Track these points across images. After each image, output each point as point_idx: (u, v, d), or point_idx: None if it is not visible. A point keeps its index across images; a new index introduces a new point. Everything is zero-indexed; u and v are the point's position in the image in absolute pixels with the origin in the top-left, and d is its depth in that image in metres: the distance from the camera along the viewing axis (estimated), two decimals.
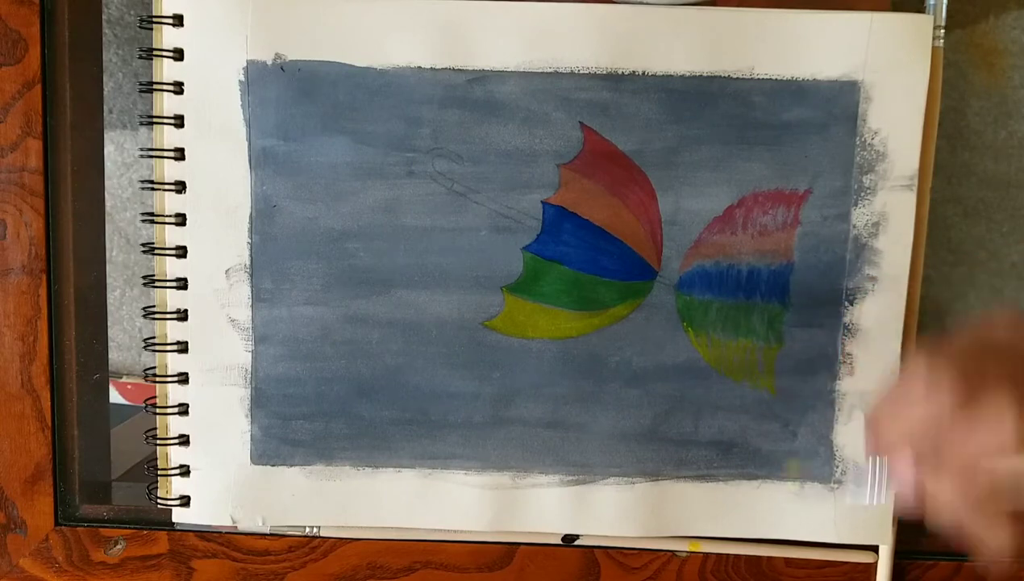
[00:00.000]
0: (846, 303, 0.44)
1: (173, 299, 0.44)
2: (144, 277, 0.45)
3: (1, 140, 0.45)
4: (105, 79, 0.46)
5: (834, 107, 0.43)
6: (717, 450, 0.45)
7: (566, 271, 0.44)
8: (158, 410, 0.45)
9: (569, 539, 0.47)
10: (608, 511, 0.45)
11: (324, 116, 0.43)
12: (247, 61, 0.43)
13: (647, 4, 0.42)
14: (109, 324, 0.48)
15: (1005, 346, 0.33)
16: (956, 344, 0.34)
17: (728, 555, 0.47)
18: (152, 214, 0.44)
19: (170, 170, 0.44)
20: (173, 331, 0.45)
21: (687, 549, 0.47)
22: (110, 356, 0.48)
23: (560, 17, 0.42)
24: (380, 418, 0.45)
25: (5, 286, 0.46)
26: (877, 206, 0.43)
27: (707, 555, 0.47)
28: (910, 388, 0.33)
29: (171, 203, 0.44)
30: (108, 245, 0.47)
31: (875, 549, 0.46)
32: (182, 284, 0.44)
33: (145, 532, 0.48)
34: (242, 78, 0.43)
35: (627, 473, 0.45)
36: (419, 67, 0.43)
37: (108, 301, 0.47)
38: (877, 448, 0.35)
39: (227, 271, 0.44)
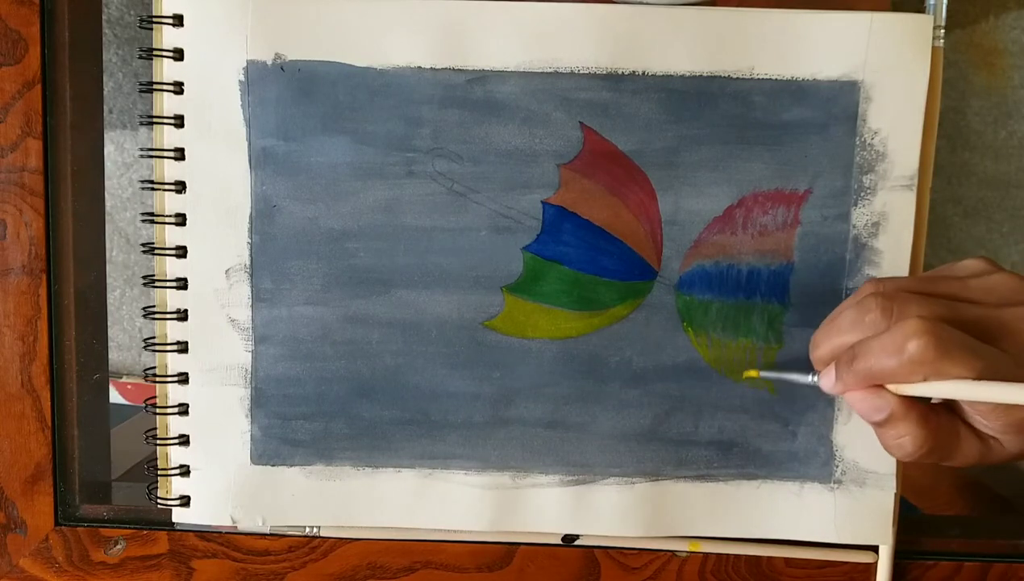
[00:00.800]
0: None
1: (173, 299, 0.44)
2: (144, 277, 0.44)
3: (1, 140, 0.45)
4: (105, 79, 0.46)
5: (834, 107, 0.43)
6: (717, 450, 0.45)
7: (566, 271, 0.44)
8: (158, 410, 0.45)
9: (569, 539, 0.47)
10: (608, 511, 0.45)
11: (324, 116, 0.43)
12: (247, 61, 0.43)
13: (647, 4, 0.42)
14: (109, 324, 0.47)
15: (948, 287, 0.35)
16: (900, 281, 0.36)
17: (728, 555, 0.47)
18: (152, 214, 0.44)
19: (170, 170, 0.44)
20: (173, 331, 0.45)
21: (687, 549, 0.47)
22: (110, 356, 0.48)
23: (560, 17, 0.42)
24: (380, 418, 0.45)
25: (5, 286, 0.46)
26: (877, 206, 0.43)
27: (707, 555, 0.47)
28: (846, 313, 0.36)
29: (171, 203, 0.44)
30: (108, 245, 0.47)
31: (875, 549, 0.46)
32: (182, 284, 0.44)
33: (145, 532, 0.48)
34: (242, 78, 0.43)
35: (627, 473, 0.45)
36: (419, 67, 0.43)
37: (108, 301, 0.47)
38: (815, 364, 0.38)
39: (227, 271, 0.44)
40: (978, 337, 0.32)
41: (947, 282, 0.35)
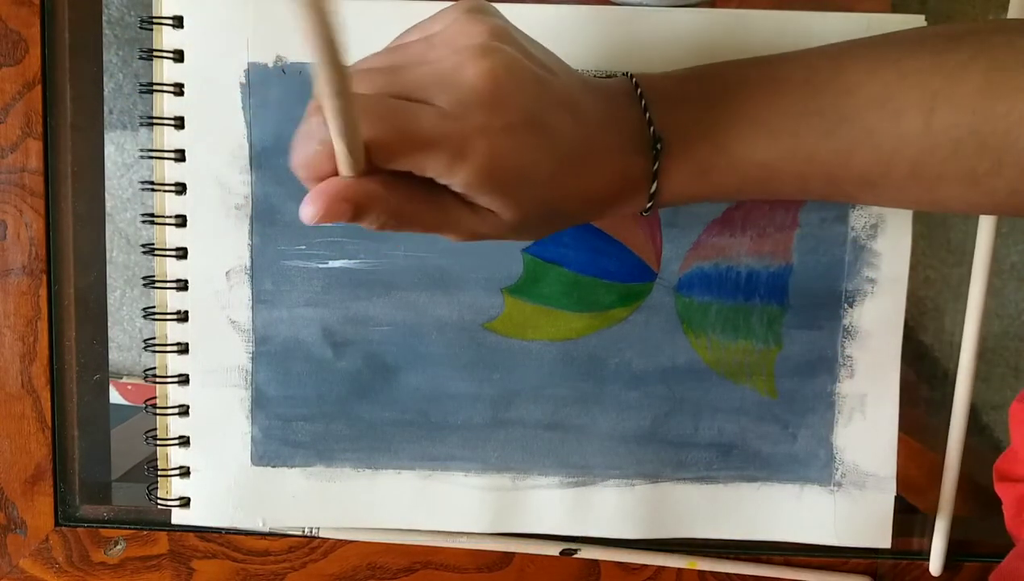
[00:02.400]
0: (845, 305, 0.44)
1: (173, 300, 0.44)
2: (144, 278, 0.45)
3: (1, 141, 0.45)
4: (105, 80, 0.46)
5: None
6: (717, 452, 0.45)
7: (566, 273, 0.44)
8: (158, 411, 0.45)
9: (568, 553, 0.47)
10: (608, 513, 0.45)
11: None
12: (248, 63, 0.43)
13: (646, 6, 0.42)
14: (109, 325, 0.48)
15: (408, 52, 0.32)
16: (370, 59, 0.33)
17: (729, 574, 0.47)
18: (152, 215, 0.44)
19: (170, 171, 0.44)
20: (173, 332, 0.45)
21: (685, 567, 0.47)
22: (110, 357, 0.48)
23: (559, 19, 0.42)
24: (380, 419, 0.45)
25: (5, 286, 0.46)
26: (875, 208, 0.43)
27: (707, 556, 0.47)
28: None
29: (171, 204, 0.44)
30: (108, 246, 0.47)
31: (871, 573, 0.47)
32: (182, 285, 0.44)
33: (145, 532, 0.48)
34: (243, 80, 0.43)
35: (627, 475, 0.45)
36: None
37: (108, 302, 0.47)
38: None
39: (227, 272, 0.44)
40: (416, 96, 0.30)
41: (411, 48, 0.32)
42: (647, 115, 0.34)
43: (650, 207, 0.35)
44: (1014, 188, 0.33)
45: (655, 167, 0.34)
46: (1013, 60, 0.31)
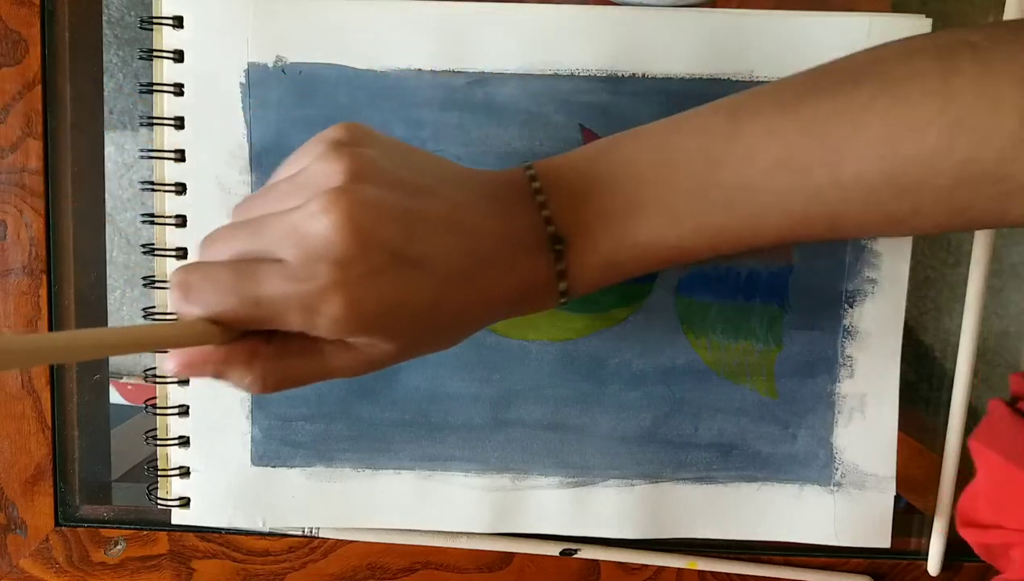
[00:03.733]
0: (846, 305, 0.44)
1: None
2: (144, 278, 0.45)
3: (1, 141, 0.45)
4: (105, 80, 0.46)
5: None
6: (717, 452, 0.45)
7: None
8: (158, 411, 0.45)
9: (568, 553, 0.47)
10: (608, 513, 0.45)
11: (325, 118, 0.43)
12: (248, 63, 0.43)
13: (647, 6, 0.42)
14: (109, 325, 0.48)
15: (275, 195, 0.31)
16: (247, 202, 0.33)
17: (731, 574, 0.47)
18: (152, 215, 0.44)
19: (170, 171, 0.44)
20: None
21: (685, 567, 0.47)
22: (110, 357, 0.48)
23: (560, 19, 0.42)
24: (380, 420, 0.45)
25: (5, 286, 0.46)
26: None
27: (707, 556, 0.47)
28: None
29: (171, 204, 0.44)
30: (108, 246, 0.47)
31: (872, 575, 0.47)
32: None
33: (145, 532, 0.48)
34: (243, 80, 0.43)
35: (627, 475, 0.45)
36: (419, 69, 0.43)
37: (108, 302, 0.47)
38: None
39: None
40: (267, 253, 0.30)
41: (277, 190, 0.31)
42: (544, 213, 0.33)
43: (564, 303, 0.34)
44: (939, 222, 0.31)
45: (560, 267, 0.33)
46: (917, 92, 0.29)
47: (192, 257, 0.44)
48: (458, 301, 0.31)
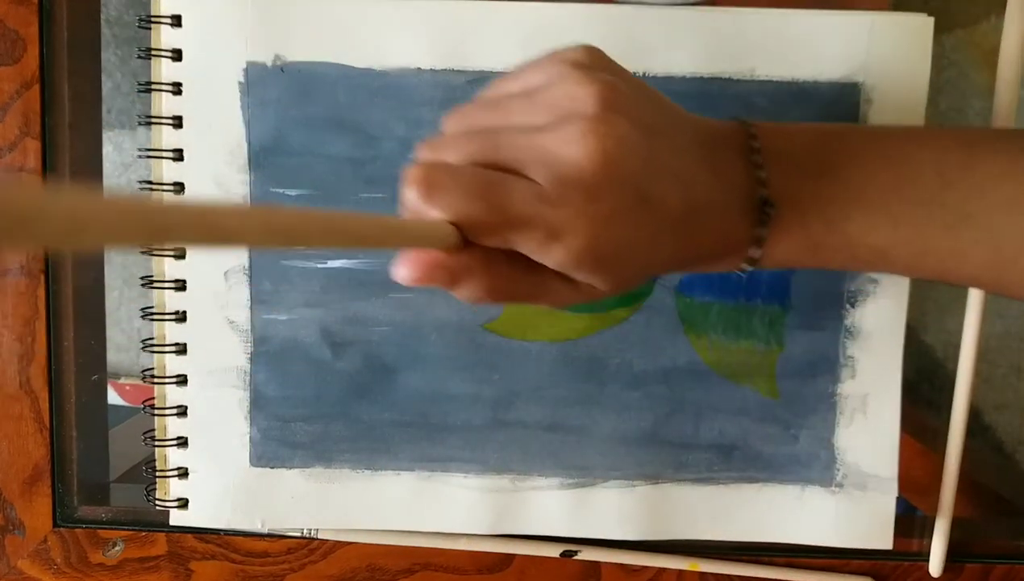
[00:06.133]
0: (847, 306, 0.44)
1: (172, 300, 0.44)
2: (142, 278, 0.44)
3: None
4: (104, 79, 0.46)
5: (835, 109, 0.43)
6: (718, 453, 0.45)
7: None
8: (156, 411, 0.45)
9: (568, 554, 0.46)
10: (608, 514, 0.45)
11: (324, 118, 0.43)
12: (247, 62, 0.43)
13: (647, 5, 0.42)
14: (107, 325, 0.47)
15: (506, 112, 0.30)
16: (466, 109, 0.32)
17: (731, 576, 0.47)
18: None
19: (169, 171, 0.43)
20: (172, 332, 0.45)
21: (686, 568, 0.47)
22: (108, 357, 0.48)
23: (560, 18, 0.42)
24: (379, 420, 0.45)
25: (3, 287, 0.46)
26: None
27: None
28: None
29: None
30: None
31: (872, 576, 0.47)
32: (181, 285, 0.44)
33: (144, 533, 0.48)
34: (241, 79, 0.43)
35: (627, 476, 0.45)
36: (419, 68, 0.43)
37: (106, 302, 0.47)
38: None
39: (226, 273, 0.44)
40: (512, 167, 0.28)
41: (511, 104, 0.30)
42: (760, 174, 0.32)
43: (745, 270, 0.33)
44: None
45: (762, 233, 0.32)
46: None
47: (191, 257, 0.44)
48: (671, 247, 0.31)
